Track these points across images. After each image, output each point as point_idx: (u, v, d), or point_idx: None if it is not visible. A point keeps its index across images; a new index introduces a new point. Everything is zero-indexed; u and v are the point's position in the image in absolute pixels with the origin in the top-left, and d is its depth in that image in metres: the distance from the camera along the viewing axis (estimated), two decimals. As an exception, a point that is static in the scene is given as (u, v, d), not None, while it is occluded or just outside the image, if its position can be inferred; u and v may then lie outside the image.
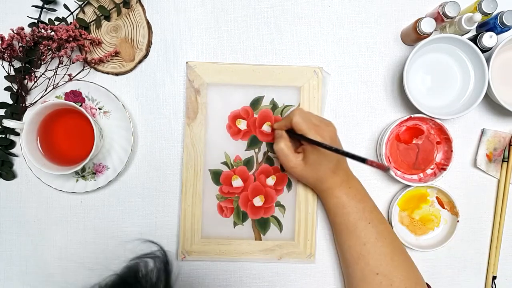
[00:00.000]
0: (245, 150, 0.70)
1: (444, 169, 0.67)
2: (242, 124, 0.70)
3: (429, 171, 0.70)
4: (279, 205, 0.70)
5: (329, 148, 0.57)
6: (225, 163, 0.70)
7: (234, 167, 0.70)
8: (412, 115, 0.67)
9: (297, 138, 0.63)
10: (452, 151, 0.67)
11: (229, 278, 0.71)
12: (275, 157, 0.70)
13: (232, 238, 0.70)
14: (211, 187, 0.69)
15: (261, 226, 0.70)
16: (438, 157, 0.69)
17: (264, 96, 0.70)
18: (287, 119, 0.63)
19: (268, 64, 0.70)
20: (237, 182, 0.70)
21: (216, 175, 0.69)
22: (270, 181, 0.70)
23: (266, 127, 0.69)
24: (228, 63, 0.69)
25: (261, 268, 0.71)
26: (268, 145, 0.70)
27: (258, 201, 0.70)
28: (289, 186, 0.70)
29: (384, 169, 0.49)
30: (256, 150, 0.70)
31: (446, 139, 0.68)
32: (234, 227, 0.70)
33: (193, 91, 0.69)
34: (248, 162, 0.70)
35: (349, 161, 0.71)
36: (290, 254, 0.70)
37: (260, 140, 0.70)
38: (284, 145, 0.63)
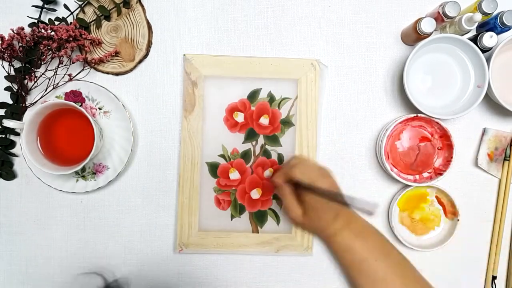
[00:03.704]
0: (242, 143, 0.70)
1: (441, 174, 0.67)
2: (240, 117, 0.70)
3: (425, 174, 0.69)
4: (276, 197, 0.70)
5: (330, 196, 0.57)
6: (222, 156, 0.70)
7: (231, 160, 0.70)
8: (419, 115, 0.66)
9: (299, 188, 0.61)
10: (452, 157, 0.67)
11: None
12: (273, 149, 0.70)
13: (230, 231, 0.70)
14: (208, 179, 0.69)
15: (259, 218, 0.70)
16: (437, 162, 0.69)
17: (261, 88, 0.70)
18: (286, 172, 0.61)
19: (266, 57, 0.70)
20: (234, 175, 0.70)
21: (213, 168, 0.70)
22: (268, 173, 0.70)
23: (263, 120, 0.69)
24: (225, 56, 0.70)
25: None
26: (265, 137, 0.70)
27: (255, 194, 0.70)
28: None
29: (368, 212, 0.50)
30: (254, 142, 0.70)
31: (448, 146, 0.68)
32: (231, 220, 0.70)
33: (190, 84, 0.69)
34: (246, 155, 0.70)
35: (348, 158, 0.72)
36: (287, 247, 0.70)
37: (257, 132, 0.70)
38: (289, 199, 0.61)
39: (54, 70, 0.68)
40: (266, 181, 0.70)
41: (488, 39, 0.65)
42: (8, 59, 0.67)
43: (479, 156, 0.71)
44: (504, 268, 0.72)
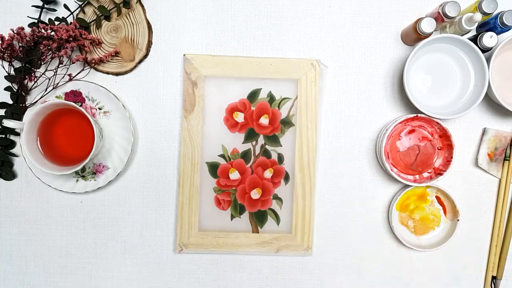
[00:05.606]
0: (243, 143, 0.70)
1: (441, 174, 0.67)
2: (240, 117, 0.70)
3: (425, 174, 0.69)
4: (276, 197, 0.70)
5: None
6: (222, 156, 0.70)
7: (231, 160, 0.70)
8: (419, 115, 0.66)
9: None
10: (452, 157, 0.67)
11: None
12: (273, 149, 0.70)
13: (229, 231, 0.70)
14: (208, 179, 0.70)
15: (259, 218, 0.70)
16: (437, 162, 0.69)
17: (261, 88, 0.70)
18: None
19: (266, 57, 0.70)
20: (234, 175, 0.70)
21: (213, 168, 0.70)
22: (268, 173, 0.70)
23: (263, 120, 0.69)
24: (225, 56, 0.70)
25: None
26: (265, 138, 0.70)
27: (255, 194, 0.70)
28: (287, 178, 0.70)
29: None
30: (254, 142, 0.70)
31: (448, 145, 0.68)
32: (231, 220, 0.70)
33: (190, 84, 0.69)
34: (246, 155, 0.70)
35: (348, 158, 0.71)
36: (287, 247, 0.70)
37: (257, 132, 0.70)
38: None
39: (54, 70, 0.68)
40: (266, 181, 0.70)
41: (488, 39, 0.65)
42: (8, 59, 0.67)
43: (479, 156, 0.71)
44: (504, 268, 0.72)
